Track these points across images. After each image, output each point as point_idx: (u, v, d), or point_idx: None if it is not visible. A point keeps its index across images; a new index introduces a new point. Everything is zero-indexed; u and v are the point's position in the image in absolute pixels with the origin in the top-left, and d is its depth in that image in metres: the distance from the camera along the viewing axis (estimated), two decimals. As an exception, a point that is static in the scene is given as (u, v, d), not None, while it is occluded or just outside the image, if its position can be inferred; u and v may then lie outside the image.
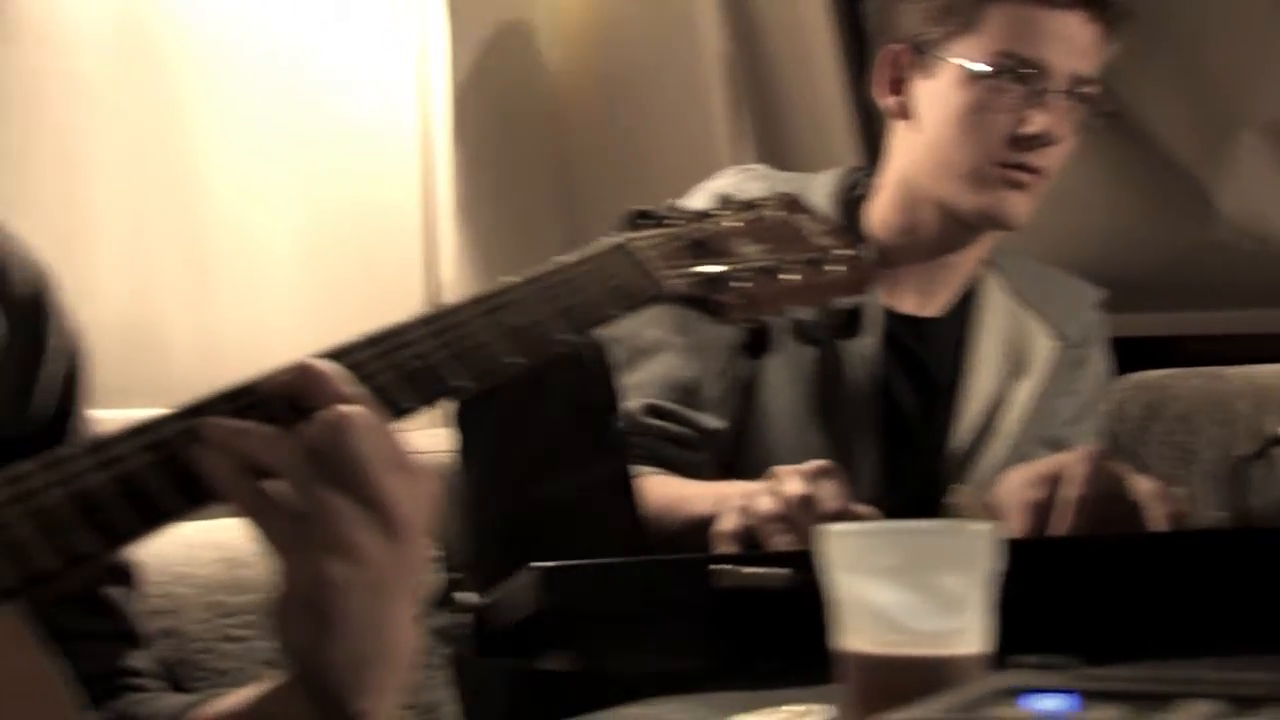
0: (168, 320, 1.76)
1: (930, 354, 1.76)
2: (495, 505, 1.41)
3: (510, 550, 1.31)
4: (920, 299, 1.77)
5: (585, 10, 2.26)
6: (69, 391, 1.01)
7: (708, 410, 1.65)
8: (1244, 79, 2.19)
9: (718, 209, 1.10)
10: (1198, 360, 2.16)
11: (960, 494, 1.58)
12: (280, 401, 0.84)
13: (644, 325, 1.64)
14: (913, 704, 0.62)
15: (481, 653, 1.23)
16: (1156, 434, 2.07)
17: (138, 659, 1.00)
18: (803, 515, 1.33)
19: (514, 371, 0.91)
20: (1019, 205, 1.66)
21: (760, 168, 1.82)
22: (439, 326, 0.90)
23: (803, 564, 1.12)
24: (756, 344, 1.06)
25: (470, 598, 1.22)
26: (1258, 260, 2.18)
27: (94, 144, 1.71)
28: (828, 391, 1.67)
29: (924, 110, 1.70)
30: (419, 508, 0.83)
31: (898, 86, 1.73)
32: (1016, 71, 1.64)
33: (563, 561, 1.14)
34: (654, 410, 1.64)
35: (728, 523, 1.39)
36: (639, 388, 1.65)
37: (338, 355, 0.87)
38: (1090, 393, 1.84)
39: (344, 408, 0.82)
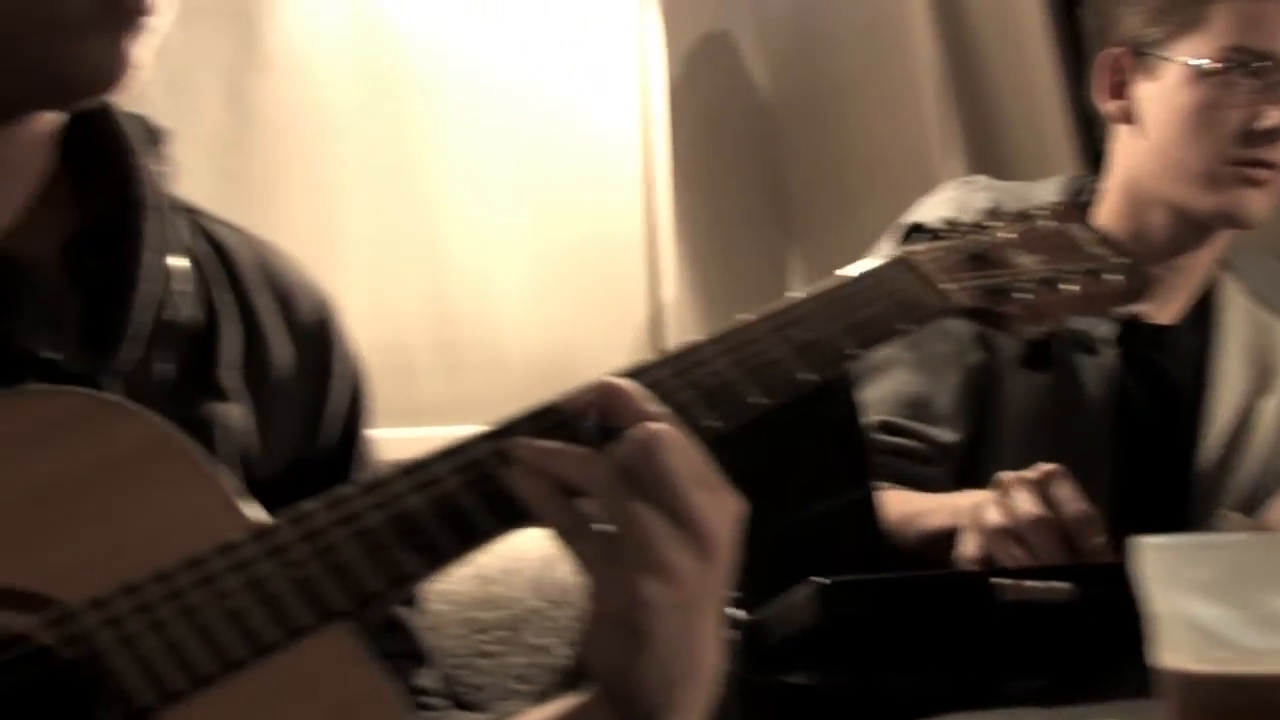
0: (411, 342, 1.77)
1: (1170, 363, 1.68)
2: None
3: (761, 568, 1.29)
4: (1154, 306, 1.69)
5: (792, 22, 2.23)
6: (354, 416, 1.01)
7: (941, 424, 1.61)
8: None
9: (990, 221, 1.06)
10: None
11: (1229, 520, 1.50)
12: (584, 420, 0.83)
13: None
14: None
15: (753, 669, 1.20)
16: None
17: (426, 678, 1.00)
18: (1033, 529, 1.29)
19: (806, 388, 0.90)
20: (1258, 203, 1.59)
21: (982, 179, 1.77)
22: (730, 344, 0.89)
23: (1086, 577, 1.10)
24: (1037, 357, 1.02)
25: (737, 613, 1.19)
26: None
27: (340, 172, 1.74)
28: (1064, 403, 1.61)
29: (1149, 113, 1.64)
30: (726, 525, 0.81)
31: (1119, 90, 1.67)
32: (1248, 66, 1.57)
33: (843, 576, 1.11)
34: (888, 427, 1.60)
35: (969, 548, 1.35)
36: (872, 405, 1.61)
37: (636, 374, 0.86)
38: None
39: (653, 425, 0.81)
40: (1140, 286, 1.07)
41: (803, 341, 0.90)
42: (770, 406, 0.88)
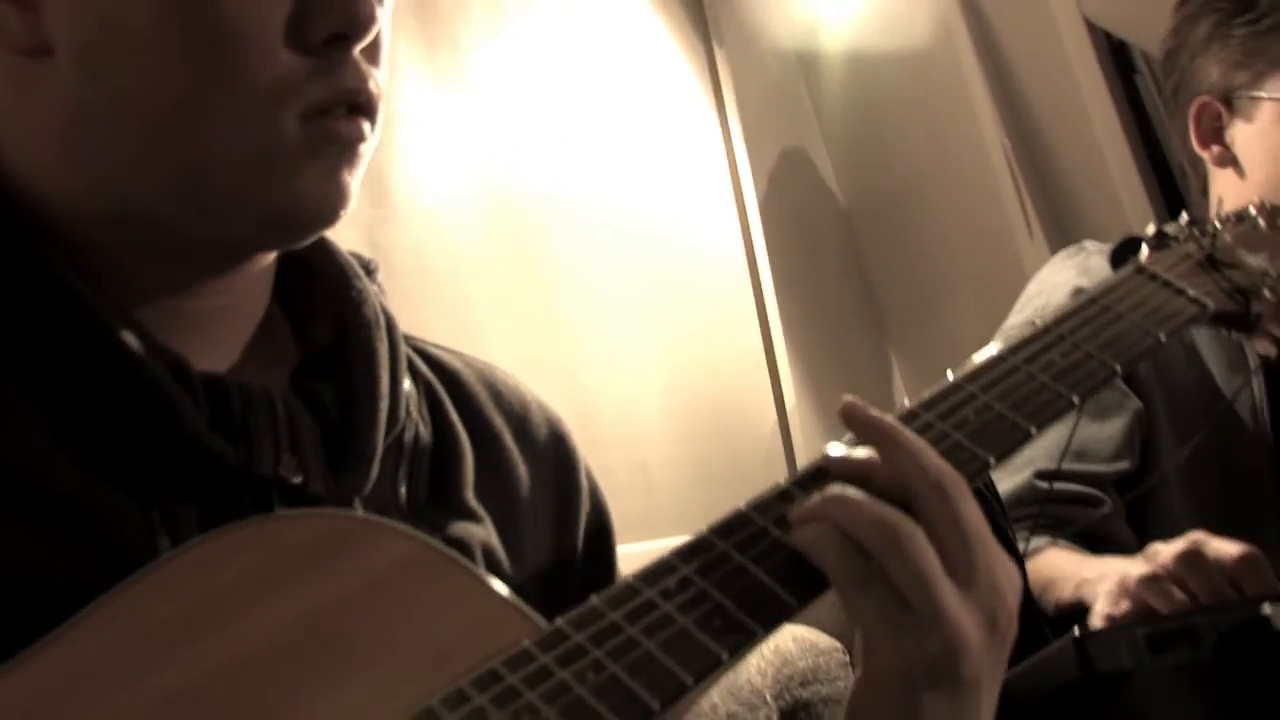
0: None
1: None
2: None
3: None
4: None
5: (861, 125, 2.15)
6: (599, 527, 0.91)
7: (1104, 460, 1.46)
8: None
9: (1201, 228, 0.95)
10: None
11: None
12: (854, 480, 0.70)
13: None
14: None
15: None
16: None
17: None
18: (1189, 569, 1.13)
19: (1069, 411, 0.79)
20: None
21: (1090, 243, 1.66)
22: (987, 381, 0.78)
23: None
24: None
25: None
26: None
27: (479, 312, 1.67)
28: (1219, 439, 1.47)
29: (1248, 153, 1.52)
30: (1012, 593, 0.69)
31: (1215, 137, 1.57)
32: None
33: (1103, 625, 0.97)
34: (1043, 475, 1.45)
35: (1103, 607, 1.19)
36: (1029, 461, 1.47)
37: (903, 421, 0.73)
38: None
39: (944, 467, 0.68)
40: None
41: (1063, 366, 0.80)
42: (1036, 434, 0.77)
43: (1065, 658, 0.97)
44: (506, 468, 0.86)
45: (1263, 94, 1.51)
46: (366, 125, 0.73)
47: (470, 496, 0.82)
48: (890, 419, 0.71)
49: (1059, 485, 1.42)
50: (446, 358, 0.89)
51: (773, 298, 1.95)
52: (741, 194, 1.95)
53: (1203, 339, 1.53)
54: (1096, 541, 1.42)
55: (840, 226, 2.14)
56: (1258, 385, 1.48)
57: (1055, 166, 2.09)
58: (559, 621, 0.65)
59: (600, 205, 1.81)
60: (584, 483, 0.90)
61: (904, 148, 2.13)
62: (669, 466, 1.75)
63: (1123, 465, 1.43)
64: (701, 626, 0.65)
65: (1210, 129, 1.55)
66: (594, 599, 0.66)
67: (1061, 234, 2.05)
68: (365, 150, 0.74)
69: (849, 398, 0.72)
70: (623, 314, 1.79)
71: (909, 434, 0.70)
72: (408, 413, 0.81)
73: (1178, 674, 0.93)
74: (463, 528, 0.80)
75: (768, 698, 1.42)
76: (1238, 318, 0.90)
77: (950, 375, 0.78)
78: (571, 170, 1.80)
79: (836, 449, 0.72)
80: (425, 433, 0.82)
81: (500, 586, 0.69)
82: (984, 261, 2.06)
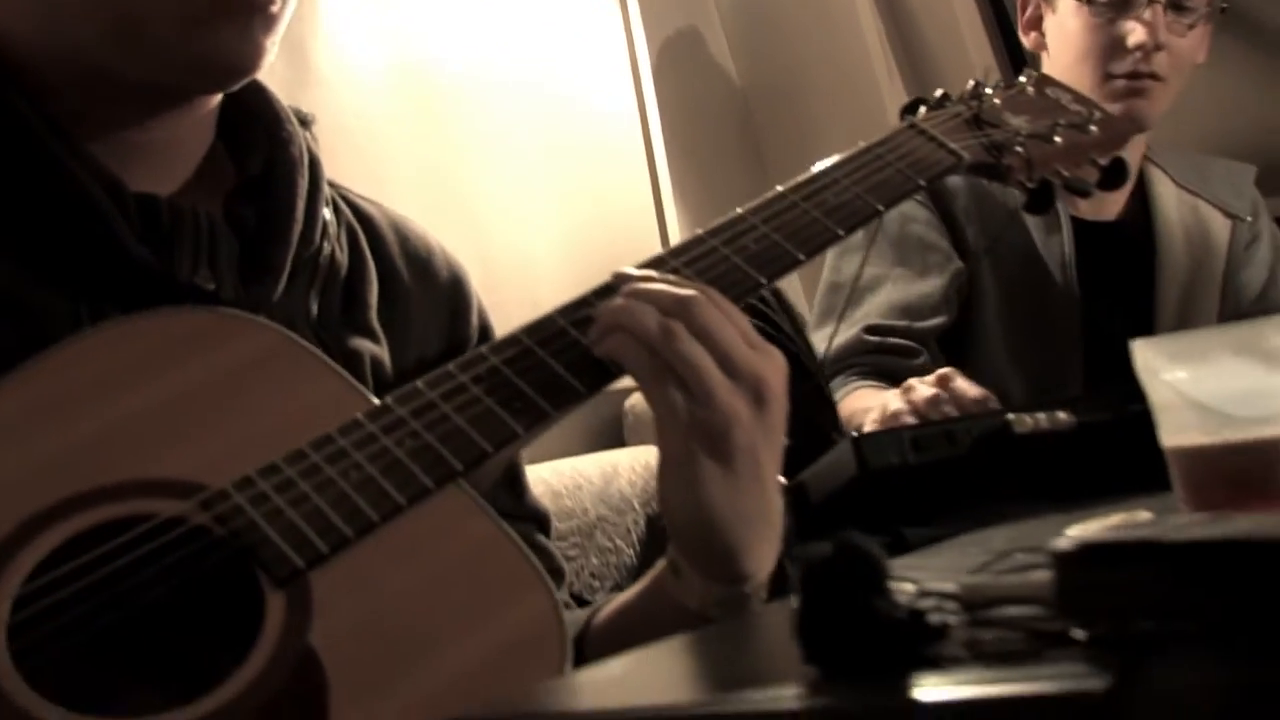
0: None
1: (1121, 253, 1.67)
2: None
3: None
4: (1095, 206, 1.69)
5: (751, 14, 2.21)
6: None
7: (926, 317, 1.58)
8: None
9: (980, 91, 1.04)
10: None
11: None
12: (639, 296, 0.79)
13: (870, 263, 1.59)
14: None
15: (800, 534, 1.15)
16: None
17: (563, 591, 0.96)
18: (932, 409, 1.25)
19: (837, 243, 0.87)
20: (1145, 109, 1.60)
21: None
22: (769, 213, 0.86)
23: (1083, 408, 1.06)
24: (1038, 202, 0.99)
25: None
26: None
27: (390, 169, 1.70)
28: (1032, 293, 1.61)
29: (1053, 41, 1.67)
30: (776, 376, 0.77)
31: (1035, 24, 1.70)
32: None
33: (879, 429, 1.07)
34: (872, 329, 1.57)
35: (868, 426, 1.31)
36: (864, 318, 1.59)
37: (687, 247, 0.82)
38: (1271, 264, 1.73)
39: (682, 291, 0.77)
40: (1117, 137, 1.04)
41: (834, 204, 0.87)
42: (804, 263, 0.84)
43: (846, 457, 1.06)
44: (404, 303, 0.94)
45: None
46: None
47: (374, 318, 0.91)
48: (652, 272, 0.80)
49: (879, 338, 1.55)
50: (365, 205, 0.98)
51: (664, 160, 2.01)
52: (637, 65, 2.01)
53: None
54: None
55: (734, 101, 2.21)
56: (1068, 241, 1.61)
57: (923, 47, 2.18)
58: (387, 399, 0.75)
59: (504, 73, 1.85)
60: (475, 320, 0.97)
61: (792, 27, 2.20)
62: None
63: (940, 320, 1.55)
64: (503, 406, 0.75)
65: (1032, 17, 1.69)
66: (418, 382, 0.75)
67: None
68: (277, 12, 0.82)
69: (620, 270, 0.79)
70: (522, 172, 1.83)
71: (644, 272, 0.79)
72: (324, 236, 0.88)
73: (937, 467, 1.02)
74: (360, 343, 0.88)
75: (635, 505, 1.54)
76: (991, 168, 0.98)
77: (739, 209, 0.86)
78: (478, 40, 1.84)
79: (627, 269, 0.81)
80: (342, 259, 0.90)
81: (342, 371, 0.79)
82: (856, 125, 2.15)
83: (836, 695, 0.43)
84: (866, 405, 1.42)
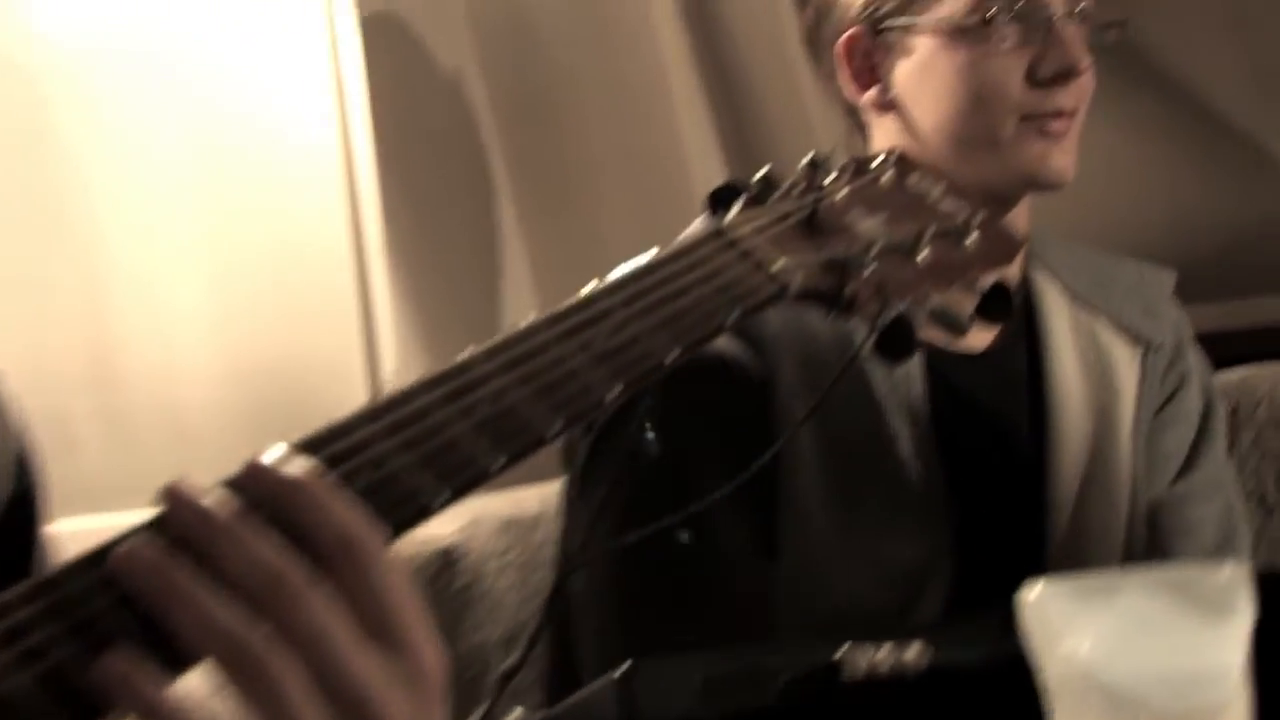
0: (71, 409, 1.46)
1: (994, 399, 1.27)
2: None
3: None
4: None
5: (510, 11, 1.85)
6: (24, 475, 0.75)
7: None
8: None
9: (816, 177, 0.72)
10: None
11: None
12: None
13: None
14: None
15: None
16: (1244, 444, 1.57)
17: None
18: None
19: (614, 405, 0.64)
20: (1059, 159, 1.22)
21: None
22: (509, 359, 0.62)
23: (944, 641, 0.84)
24: (892, 346, 0.68)
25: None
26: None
27: None
28: (867, 461, 1.20)
29: (910, 92, 1.25)
30: (440, 660, 0.56)
31: (869, 78, 1.28)
32: (1010, 8, 1.21)
33: (653, 658, 0.83)
34: None
35: None
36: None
37: (391, 406, 0.57)
38: (1200, 422, 1.34)
39: (353, 527, 0.53)
40: (1003, 249, 0.74)
41: (605, 349, 0.64)
42: (565, 432, 0.61)
43: (607, 702, 0.84)
44: None
45: (916, 19, 1.25)
46: None
47: None
48: (287, 474, 0.53)
49: None
50: None
51: (371, 183, 1.66)
52: (338, 51, 1.64)
53: None
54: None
55: (465, 118, 1.83)
56: (918, 382, 1.22)
57: (744, 91, 1.87)
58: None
59: (143, 58, 1.52)
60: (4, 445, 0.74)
61: (560, 44, 1.85)
62: (212, 407, 1.52)
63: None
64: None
65: (864, 68, 1.30)
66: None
67: (742, 160, 1.86)
68: None
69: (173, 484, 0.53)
70: (164, 193, 1.51)
71: (309, 488, 0.53)
72: None
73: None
74: None
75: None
76: (829, 297, 0.70)
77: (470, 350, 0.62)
78: (103, 10, 1.51)
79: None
80: None
81: None
82: (645, 179, 1.83)
83: None
84: None
